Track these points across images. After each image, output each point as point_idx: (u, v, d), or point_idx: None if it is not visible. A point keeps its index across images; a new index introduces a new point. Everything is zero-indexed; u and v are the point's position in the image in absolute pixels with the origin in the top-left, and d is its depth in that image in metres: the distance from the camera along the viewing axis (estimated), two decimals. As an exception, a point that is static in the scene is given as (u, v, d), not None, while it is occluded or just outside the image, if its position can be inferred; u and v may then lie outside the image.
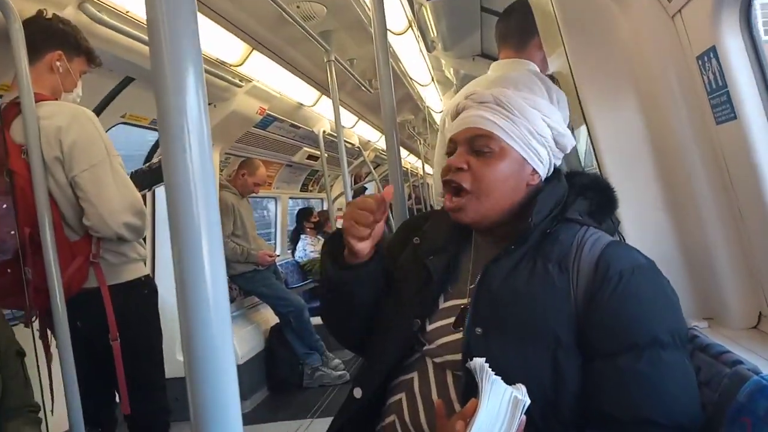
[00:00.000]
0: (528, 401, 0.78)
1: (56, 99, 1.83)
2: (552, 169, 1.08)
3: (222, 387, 0.52)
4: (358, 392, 1.08)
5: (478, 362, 0.81)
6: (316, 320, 4.11)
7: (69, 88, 1.87)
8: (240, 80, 3.05)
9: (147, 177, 2.32)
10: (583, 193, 1.07)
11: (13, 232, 1.67)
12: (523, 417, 0.78)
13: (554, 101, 1.07)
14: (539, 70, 1.78)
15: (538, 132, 1.02)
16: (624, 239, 1.14)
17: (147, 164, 2.44)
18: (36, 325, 1.77)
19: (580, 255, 0.97)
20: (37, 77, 1.77)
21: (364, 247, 1.03)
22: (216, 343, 0.52)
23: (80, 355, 1.72)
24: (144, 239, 2.00)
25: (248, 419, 3.43)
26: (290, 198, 5.71)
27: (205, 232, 0.52)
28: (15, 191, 1.65)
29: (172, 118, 0.52)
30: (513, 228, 1.02)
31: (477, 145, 1.01)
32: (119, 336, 1.79)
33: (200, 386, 0.52)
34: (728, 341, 1.17)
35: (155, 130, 3.09)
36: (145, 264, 2.01)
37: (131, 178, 2.05)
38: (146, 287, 1.95)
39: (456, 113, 1.09)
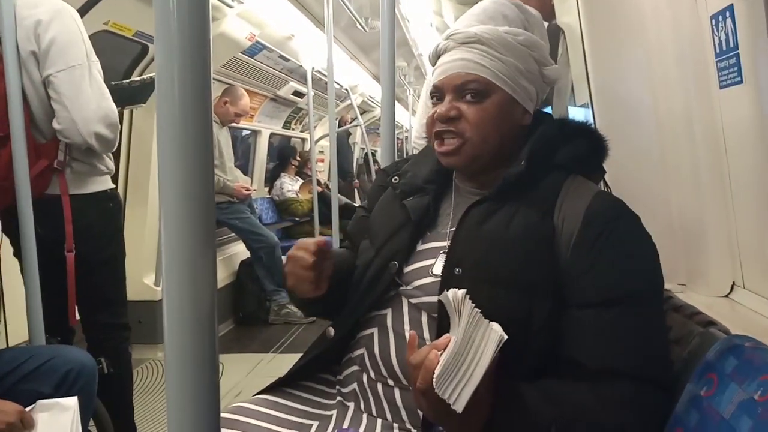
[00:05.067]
0: (506, 336, 0.77)
1: None
2: (539, 105, 1.04)
3: (201, 310, 0.49)
4: (331, 332, 1.07)
5: (459, 292, 0.79)
6: (288, 259, 4.09)
7: None
8: (232, 0, 2.90)
9: (126, 93, 2.20)
10: (572, 139, 1.04)
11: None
12: (498, 353, 0.77)
13: (533, 28, 1.02)
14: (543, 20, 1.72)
15: (527, 69, 0.98)
16: (610, 190, 1.12)
17: (128, 80, 2.33)
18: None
19: (567, 203, 0.95)
20: None
21: (308, 290, 1.01)
22: (198, 266, 0.49)
23: (39, 263, 1.67)
24: (114, 154, 1.92)
25: (211, 348, 3.44)
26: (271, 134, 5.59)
27: (196, 154, 0.48)
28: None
29: (172, 32, 0.47)
30: (497, 173, 0.99)
31: (465, 90, 0.96)
32: (78, 247, 1.75)
33: (179, 309, 0.49)
34: (700, 307, 1.17)
35: (138, 42, 2.94)
36: (113, 180, 1.95)
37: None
38: (111, 201, 1.89)
39: (437, 55, 1.03)
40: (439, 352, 0.79)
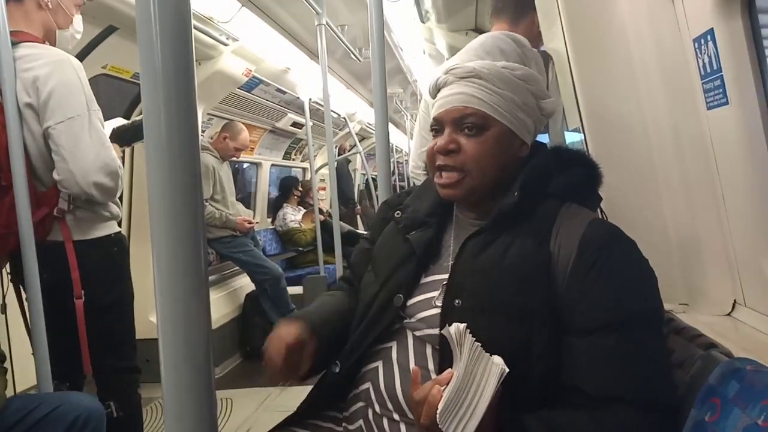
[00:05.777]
0: (507, 370, 0.77)
1: (48, 40, 1.75)
2: (535, 139, 1.06)
3: (195, 350, 0.50)
4: (336, 367, 1.08)
5: (460, 327, 0.80)
6: (293, 289, 4.09)
7: (63, 24, 1.78)
8: (227, 38, 2.96)
9: (129, 134, 2.23)
10: (567, 168, 1.05)
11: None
12: (500, 387, 0.78)
13: (530, 62, 1.05)
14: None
15: (524, 102, 1.00)
16: (606, 217, 1.13)
17: (131, 121, 2.36)
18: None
19: (563, 231, 0.96)
20: (25, 16, 1.70)
21: (288, 379, 1.07)
22: (191, 305, 0.50)
23: (46, 309, 1.68)
24: (121, 198, 1.93)
25: (219, 385, 3.42)
26: (272, 165, 5.63)
27: (186, 194, 0.49)
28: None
29: (157, 72, 0.49)
30: (496, 203, 1.01)
31: (464, 124, 0.98)
32: (85, 293, 1.75)
33: (173, 348, 0.50)
34: (702, 327, 1.18)
35: (136, 83, 2.99)
36: (119, 224, 1.95)
37: (113, 134, 1.98)
38: (116, 245, 1.89)
39: (437, 89, 1.05)
40: (442, 388, 0.79)
